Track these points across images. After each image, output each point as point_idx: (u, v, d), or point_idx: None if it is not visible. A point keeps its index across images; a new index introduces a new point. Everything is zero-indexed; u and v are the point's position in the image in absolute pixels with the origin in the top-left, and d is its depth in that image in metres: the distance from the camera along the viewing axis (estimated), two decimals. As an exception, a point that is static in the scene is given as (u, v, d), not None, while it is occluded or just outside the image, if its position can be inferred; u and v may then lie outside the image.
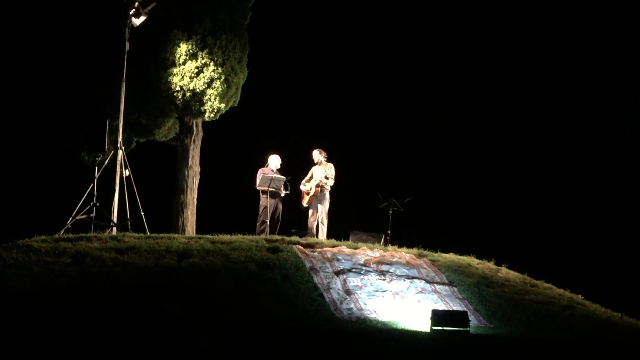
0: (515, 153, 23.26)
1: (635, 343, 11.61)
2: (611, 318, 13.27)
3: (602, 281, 18.77)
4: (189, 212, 17.96)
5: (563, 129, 23.18)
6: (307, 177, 16.44)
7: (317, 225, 16.25)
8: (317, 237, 15.87)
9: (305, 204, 16.41)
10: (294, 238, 14.58)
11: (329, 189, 16.25)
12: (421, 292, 12.77)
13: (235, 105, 17.66)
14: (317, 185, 16.15)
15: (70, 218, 14.45)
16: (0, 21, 18.01)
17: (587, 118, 22.89)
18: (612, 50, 22.47)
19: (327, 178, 16.10)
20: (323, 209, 16.22)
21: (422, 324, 11.27)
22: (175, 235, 14.59)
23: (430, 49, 22.87)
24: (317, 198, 16.23)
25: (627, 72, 22.12)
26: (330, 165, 16.33)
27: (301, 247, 13.79)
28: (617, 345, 11.30)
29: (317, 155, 16.41)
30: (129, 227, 14.81)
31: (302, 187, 16.39)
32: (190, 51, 16.76)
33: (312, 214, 16.32)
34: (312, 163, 16.53)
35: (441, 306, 12.22)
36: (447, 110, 23.23)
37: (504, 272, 14.45)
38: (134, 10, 15.17)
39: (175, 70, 16.77)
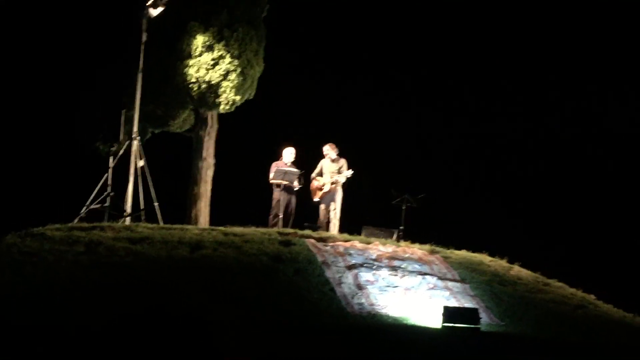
0: (529, 150, 23.18)
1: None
2: (623, 318, 13.23)
3: (615, 281, 18.69)
4: (203, 204, 17.99)
5: (575, 126, 23.08)
6: (317, 171, 16.40)
7: (329, 220, 16.24)
8: (328, 231, 15.85)
9: (316, 199, 16.39)
10: (307, 232, 14.58)
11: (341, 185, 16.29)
12: (433, 288, 12.76)
13: (251, 97, 17.66)
14: (333, 183, 16.15)
15: (85, 207, 14.51)
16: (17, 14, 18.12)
17: (600, 114, 22.81)
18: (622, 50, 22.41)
19: (339, 174, 16.13)
20: (337, 205, 16.22)
21: (433, 320, 11.27)
22: (189, 226, 14.63)
23: (446, 43, 22.80)
24: (330, 194, 16.22)
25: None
26: (343, 160, 16.33)
27: (313, 241, 13.79)
28: (629, 345, 11.26)
29: (329, 150, 16.38)
30: (143, 217, 14.86)
31: (315, 182, 16.34)
32: (207, 43, 16.77)
33: (324, 209, 16.31)
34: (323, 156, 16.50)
35: (453, 303, 12.21)
36: (462, 106, 23.16)
37: (517, 270, 14.43)
38: (151, 0, 15.20)
39: (191, 62, 16.79)
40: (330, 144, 16.44)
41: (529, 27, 22.69)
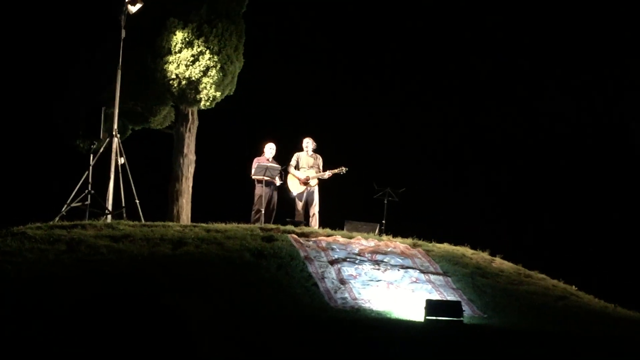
0: (510, 143, 23.26)
1: (629, 334, 11.64)
2: (605, 309, 13.30)
3: (596, 272, 18.82)
4: (184, 201, 17.96)
5: (556, 120, 23.21)
6: (294, 164, 16.33)
7: (310, 216, 16.22)
8: (309, 226, 15.84)
9: (295, 192, 16.29)
10: (289, 227, 14.57)
11: None
12: (415, 281, 12.79)
13: (231, 93, 17.65)
14: (320, 178, 16.17)
15: (65, 205, 14.44)
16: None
17: (577, 110, 22.97)
18: (614, 45, 22.50)
19: (320, 169, 16.16)
20: (317, 200, 16.23)
21: (416, 313, 11.30)
22: (170, 223, 14.58)
23: (425, 39, 22.84)
24: (310, 190, 16.22)
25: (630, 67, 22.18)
26: (320, 157, 16.37)
27: (296, 236, 13.80)
28: (610, 336, 11.33)
29: (310, 144, 16.36)
30: (124, 215, 14.81)
31: (297, 174, 16.24)
32: (187, 39, 16.73)
33: (303, 206, 16.26)
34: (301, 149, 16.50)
35: (435, 296, 12.24)
36: (441, 101, 23.21)
37: (498, 262, 14.48)
38: (130, -3, 15.15)
39: (171, 59, 16.75)
40: (310, 138, 16.43)
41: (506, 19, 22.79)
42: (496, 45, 22.73)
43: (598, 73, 22.48)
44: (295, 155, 16.39)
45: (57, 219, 14.06)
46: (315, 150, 16.42)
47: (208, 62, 16.77)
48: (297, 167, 16.31)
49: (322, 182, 16.41)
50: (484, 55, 22.92)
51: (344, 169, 16.08)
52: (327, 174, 16.15)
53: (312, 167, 16.26)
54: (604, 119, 22.73)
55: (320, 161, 16.34)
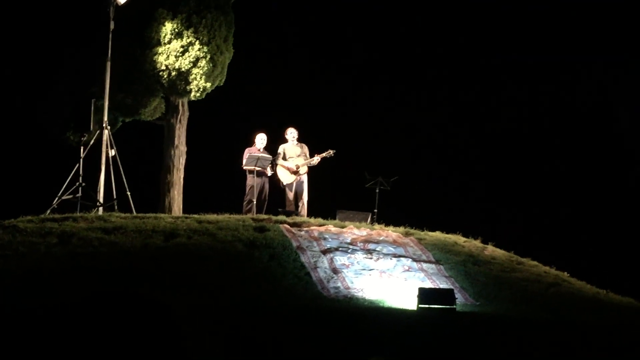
0: (502, 131, 23.26)
1: (620, 320, 11.68)
2: (597, 295, 13.34)
3: (588, 258, 18.86)
4: (176, 192, 17.92)
5: (547, 107, 23.22)
6: (282, 155, 16.29)
7: (298, 206, 16.20)
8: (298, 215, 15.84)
9: (286, 182, 16.27)
10: (281, 217, 14.56)
11: None
12: (408, 270, 12.80)
13: (221, 84, 17.60)
14: (308, 165, 16.15)
15: (56, 198, 14.40)
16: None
17: (570, 95, 22.99)
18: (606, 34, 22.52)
19: (308, 158, 16.15)
20: (306, 188, 16.23)
21: (409, 302, 11.31)
22: (162, 215, 14.57)
23: (424, 39, 22.81)
24: (300, 179, 16.21)
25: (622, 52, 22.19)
26: (305, 146, 16.35)
27: (288, 226, 13.79)
28: (602, 322, 11.37)
29: (295, 133, 16.34)
30: (116, 207, 14.79)
31: (286, 164, 16.21)
32: (176, 30, 16.68)
33: (293, 195, 16.24)
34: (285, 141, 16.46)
35: (428, 284, 12.26)
36: (432, 90, 23.18)
37: (490, 250, 14.50)
38: (118, -12, 15.09)
39: (160, 50, 16.69)
40: (293, 127, 16.41)
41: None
42: (496, 45, 22.70)
43: (596, 72, 22.51)
44: (281, 147, 16.36)
45: (48, 211, 14.03)
46: (299, 140, 16.41)
47: (198, 52, 16.73)
48: (284, 159, 16.28)
49: (313, 171, 16.40)
50: (483, 55, 22.87)
51: (331, 152, 16.06)
52: (316, 159, 16.12)
53: (299, 156, 16.24)
54: (598, 114, 22.80)
55: (306, 149, 16.32)
